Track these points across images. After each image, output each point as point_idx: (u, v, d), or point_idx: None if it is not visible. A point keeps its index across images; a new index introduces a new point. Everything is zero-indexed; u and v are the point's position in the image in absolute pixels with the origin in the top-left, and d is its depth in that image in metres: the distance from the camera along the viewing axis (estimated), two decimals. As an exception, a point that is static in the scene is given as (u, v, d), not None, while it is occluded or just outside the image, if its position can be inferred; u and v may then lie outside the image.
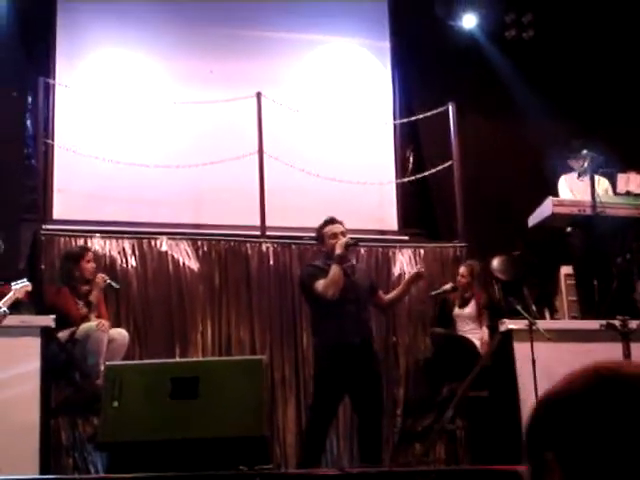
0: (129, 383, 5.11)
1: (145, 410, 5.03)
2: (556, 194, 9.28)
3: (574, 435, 1.19)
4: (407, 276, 8.25)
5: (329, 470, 6.80)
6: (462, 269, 8.81)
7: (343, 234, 7.15)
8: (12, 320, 7.16)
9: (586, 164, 9.21)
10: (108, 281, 8.20)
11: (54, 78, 9.95)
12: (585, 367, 1.28)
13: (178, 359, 8.40)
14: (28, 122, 9.91)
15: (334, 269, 6.91)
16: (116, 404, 5.01)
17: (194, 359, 8.21)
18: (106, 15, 10.33)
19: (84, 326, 7.82)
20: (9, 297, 6.74)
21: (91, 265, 8.23)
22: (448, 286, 8.53)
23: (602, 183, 9.32)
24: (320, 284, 6.95)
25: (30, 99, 9.88)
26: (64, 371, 7.66)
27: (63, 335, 7.71)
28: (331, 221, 7.26)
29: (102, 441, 5.16)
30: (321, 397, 7.02)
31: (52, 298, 8.08)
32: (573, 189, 9.34)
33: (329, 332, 6.98)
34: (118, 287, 8.38)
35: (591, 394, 1.21)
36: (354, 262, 7.76)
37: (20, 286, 6.92)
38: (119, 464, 4.99)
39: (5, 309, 6.57)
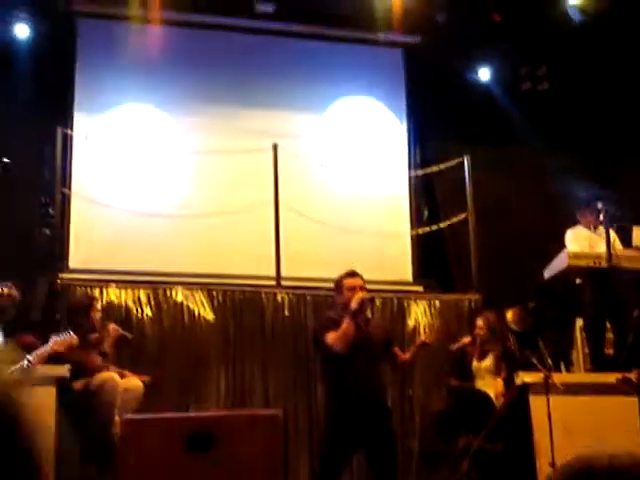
0: (145, 437, 5.11)
1: (160, 465, 5.03)
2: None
3: None
4: (417, 340, 8.21)
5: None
6: (479, 321, 8.77)
7: (362, 288, 7.13)
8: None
9: (601, 217, 9.19)
10: (121, 332, 8.18)
11: (72, 129, 10.03)
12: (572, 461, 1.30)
13: (193, 413, 8.37)
14: (46, 172, 9.96)
15: (346, 323, 6.88)
16: (132, 460, 5.01)
17: (209, 413, 8.18)
18: (124, 69, 10.42)
19: (99, 377, 7.80)
20: (45, 349, 6.65)
21: (99, 315, 8.20)
22: (467, 339, 8.52)
23: (612, 237, 9.29)
24: (330, 337, 6.93)
25: (47, 149, 9.94)
26: (79, 421, 7.64)
27: (78, 385, 7.69)
28: (352, 274, 7.24)
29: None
30: (330, 452, 6.94)
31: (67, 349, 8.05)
32: (580, 242, 9.29)
33: (340, 385, 6.94)
34: (131, 337, 8.37)
35: None
36: (369, 315, 7.75)
37: (62, 339, 6.83)
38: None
39: (30, 361, 6.49)
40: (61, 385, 7.42)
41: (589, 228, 9.26)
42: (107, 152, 10.15)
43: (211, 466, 5.01)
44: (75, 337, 6.96)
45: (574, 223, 9.49)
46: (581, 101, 11.13)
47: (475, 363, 8.61)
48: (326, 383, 7.31)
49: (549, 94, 11.09)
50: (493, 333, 8.64)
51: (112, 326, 8.21)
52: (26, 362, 6.42)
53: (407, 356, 7.84)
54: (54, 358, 7.03)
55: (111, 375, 7.80)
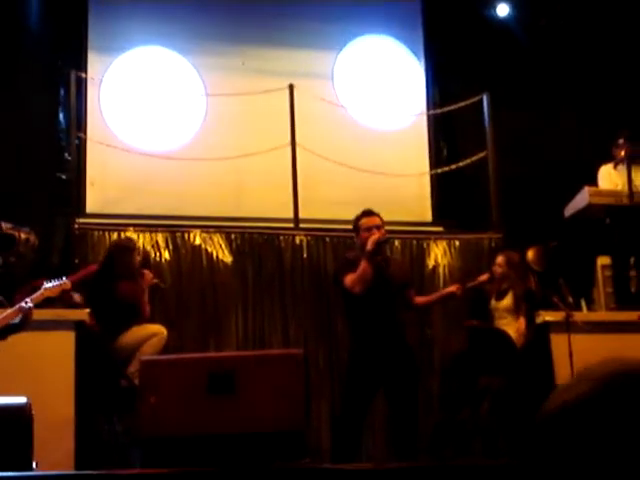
0: (165, 378, 5.09)
1: (181, 405, 5.01)
2: (593, 183, 9.17)
3: (583, 439, 1.15)
4: (448, 287, 8.13)
5: (364, 465, 6.76)
6: (499, 258, 8.62)
7: (378, 227, 7.08)
8: (46, 314, 7.17)
9: (622, 153, 9.09)
10: (155, 280, 8.16)
11: (86, 72, 9.94)
12: (600, 364, 1.22)
13: (214, 353, 8.37)
14: (61, 116, 9.89)
15: (363, 265, 6.87)
16: (153, 399, 4.99)
17: (230, 353, 8.17)
18: (137, 10, 10.32)
19: (151, 328, 7.88)
20: (38, 294, 6.70)
21: (138, 259, 8.20)
22: (484, 277, 8.41)
23: (641, 173, 9.21)
24: (348, 279, 6.91)
25: (62, 93, 9.86)
26: (99, 365, 7.65)
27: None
28: (367, 213, 7.20)
29: (138, 436, 5.14)
30: (353, 391, 6.97)
31: (132, 291, 8.01)
32: (613, 179, 9.20)
33: (361, 325, 6.95)
34: (164, 286, 8.36)
35: (602, 398, 1.16)
36: (389, 255, 7.72)
37: (52, 285, 6.85)
38: (155, 459, 4.97)
39: (30, 304, 6.53)
40: (80, 329, 7.42)
41: (617, 164, 9.15)
42: (122, 95, 10.06)
43: (232, 405, 4.99)
44: (69, 283, 6.94)
45: (599, 159, 9.38)
46: (602, 36, 10.94)
47: (493, 303, 8.51)
48: (348, 323, 7.30)
49: (567, 29, 10.88)
50: (515, 272, 8.50)
51: (148, 273, 8.17)
52: (27, 305, 6.45)
53: (428, 298, 7.84)
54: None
55: (162, 329, 7.84)
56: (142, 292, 7.96)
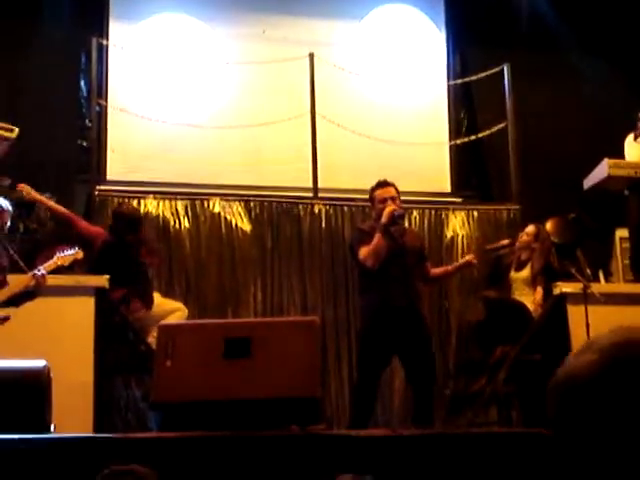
0: (182, 343, 5.13)
1: (198, 370, 5.05)
2: (613, 155, 9.12)
3: (623, 400, 1.16)
4: (464, 257, 8.13)
5: (380, 431, 6.80)
6: (530, 228, 8.55)
7: (393, 199, 7.07)
8: (66, 280, 7.25)
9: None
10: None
11: (107, 39, 9.96)
12: (620, 332, 1.23)
13: (231, 319, 8.43)
14: (82, 83, 9.92)
15: (376, 238, 6.87)
16: (169, 363, 5.04)
17: (247, 319, 8.23)
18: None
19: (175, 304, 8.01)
20: (51, 263, 6.77)
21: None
22: (505, 241, 8.40)
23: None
24: (362, 252, 6.93)
25: (84, 59, 9.88)
26: (118, 330, 7.72)
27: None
28: (383, 184, 7.19)
29: (155, 400, 5.19)
30: (365, 358, 7.02)
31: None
32: (637, 150, 9.14)
33: (375, 294, 6.96)
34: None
35: (610, 368, 1.18)
36: (405, 225, 7.73)
37: (64, 255, 6.92)
38: (172, 423, 5.01)
39: (43, 271, 6.60)
40: (100, 295, 7.48)
41: (638, 137, 9.09)
42: (143, 62, 10.07)
43: (248, 371, 5.03)
44: (81, 252, 7.00)
45: (620, 131, 9.31)
46: (623, 4, 10.86)
47: (513, 273, 8.50)
48: (362, 293, 7.32)
49: (591, 1, 10.80)
50: (541, 244, 8.46)
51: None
52: (40, 272, 6.53)
53: (445, 269, 7.86)
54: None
55: (183, 307, 7.96)
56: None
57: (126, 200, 8.98)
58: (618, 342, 1.22)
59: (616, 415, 1.16)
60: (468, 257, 7.86)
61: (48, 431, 5.21)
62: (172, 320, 7.55)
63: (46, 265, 6.70)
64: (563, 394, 1.21)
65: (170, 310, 7.87)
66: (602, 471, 1.16)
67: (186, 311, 8.00)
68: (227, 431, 4.77)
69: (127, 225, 7.91)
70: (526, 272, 8.41)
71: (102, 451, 4.49)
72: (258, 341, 5.13)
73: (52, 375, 5.47)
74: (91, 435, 6.10)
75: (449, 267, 7.97)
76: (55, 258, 6.81)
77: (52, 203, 8.19)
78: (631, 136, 9.15)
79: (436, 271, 7.70)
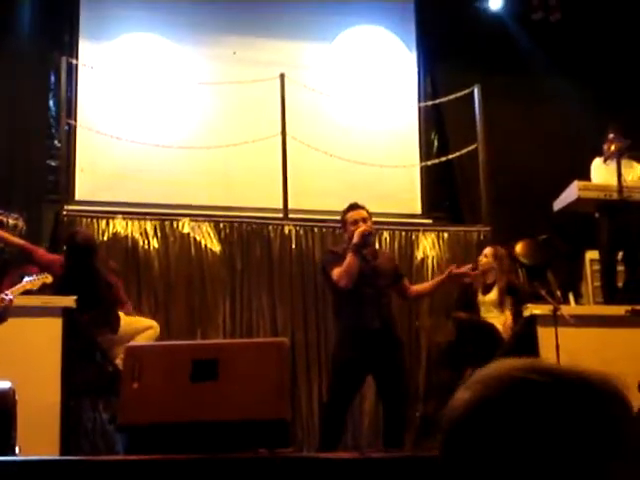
0: (149, 364, 5.08)
1: (165, 392, 5.00)
2: (583, 177, 9.17)
3: (490, 440, 1.14)
4: (447, 270, 8.11)
5: (349, 454, 6.76)
6: (487, 249, 8.63)
7: (364, 220, 7.07)
8: (33, 300, 7.16)
9: (613, 147, 9.09)
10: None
11: (77, 58, 9.91)
12: (499, 366, 1.21)
13: (199, 340, 8.38)
14: (51, 102, 9.87)
15: (348, 258, 6.87)
16: (136, 385, 4.98)
17: (215, 341, 8.18)
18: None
19: (146, 322, 7.92)
20: (19, 287, 6.70)
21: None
22: (468, 266, 8.42)
23: (636, 168, 9.20)
24: (335, 272, 6.92)
25: (53, 79, 9.84)
26: (85, 351, 7.64)
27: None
28: (353, 207, 7.19)
29: (121, 423, 5.14)
30: (338, 380, 7.00)
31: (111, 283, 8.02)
32: (604, 173, 9.19)
33: (349, 316, 6.96)
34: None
35: (505, 398, 1.15)
36: (377, 247, 7.73)
37: (33, 279, 6.85)
38: (138, 446, 4.96)
39: (11, 296, 6.53)
40: (67, 315, 7.40)
41: (607, 159, 9.15)
42: (113, 82, 10.03)
43: (216, 393, 4.99)
44: (50, 277, 6.93)
45: (590, 154, 9.38)
46: (594, 31, 10.93)
47: (480, 297, 8.52)
48: (336, 315, 7.31)
49: (561, 24, 10.86)
50: (499, 264, 8.49)
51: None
52: (8, 297, 6.44)
53: (424, 286, 7.86)
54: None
55: (155, 324, 7.88)
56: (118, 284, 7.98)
57: (94, 220, 8.91)
58: (490, 378, 1.19)
59: (485, 455, 1.14)
60: (449, 269, 7.82)
61: (13, 453, 5.14)
62: (144, 338, 7.50)
63: (14, 289, 6.63)
64: (442, 432, 1.19)
65: (142, 328, 7.79)
66: None
67: (158, 329, 7.90)
68: (194, 454, 4.72)
69: (81, 253, 7.78)
70: (493, 294, 8.43)
71: (66, 474, 4.43)
72: (226, 363, 5.09)
73: (18, 397, 5.41)
74: (57, 458, 6.02)
75: (429, 284, 7.95)
76: (24, 282, 6.75)
77: (7, 235, 8.05)
78: (598, 159, 9.22)
79: (416, 288, 7.69)
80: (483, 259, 8.50)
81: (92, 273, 7.70)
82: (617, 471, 1.11)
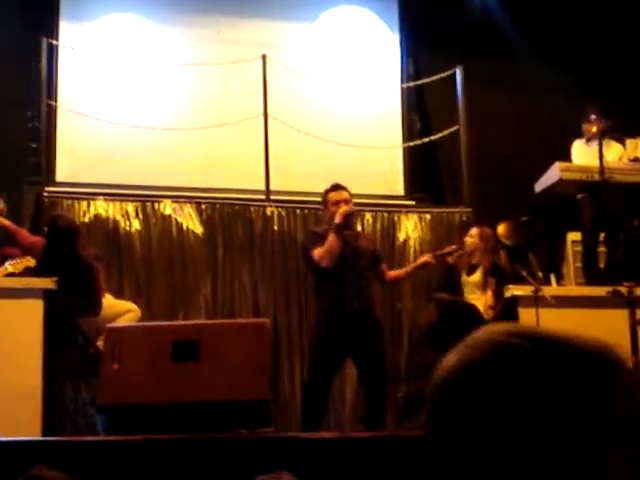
0: (129, 345, 5.08)
1: (145, 373, 5.00)
2: (564, 159, 9.18)
3: (474, 403, 1.14)
4: (420, 258, 8.13)
5: (330, 433, 6.79)
6: (473, 230, 8.60)
7: (346, 201, 7.09)
8: (14, 282, 7.14)
9: (594, 129, 9.10)
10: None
11: (57, 39, 9.85)
12: (488, 330, 1.20)
13: (180, 321, 8.37)
14: (32, 84, 9.80)
15: (330, 238, 6.89)
16: (116, 366, 4.98)
17: (196, 322, 8.17)
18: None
19: (126, 305, 7.91)
20: (2, 269, 6.70)
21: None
22: (453, 247, 8.42)
23: (615, 149, 9.22)
24: (316, 252, 6.93)
25: (34, 61, 9.77)
26: (67, 333, 7.62)
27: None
28: (335, 187, 7.21)
29: (101, 403, 5.13)
30: (318, 360, 7.03)
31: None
32: (585, 154, 9.21)
33: (328, 297, 6.99)
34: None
35: (489, 362, 1.14)
36: (358, 229, 7.74)
37: (15, 262, 6.84)
38: (118, 426, 4.96)
39: None
40: (48, 297, 7.38)
41: (589, 140, 9.17)
42: (94, 63, 9.97)
43: (196, 373, 4.99)
44: (32, 260, 6.93)
45: (572, 135, 9.40)
46: (577, 12, 10.93)
47: (464, 277, 8.53)
48: (316, 295, 7.34)
49: (544, 5, 10.85)
50: (484, 244, 8.51)
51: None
52: None
53: (402, 271, 7.90)
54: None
55: (136, 307, 7.87)
56: (99, 267, 7.95)
57: (75, 202, 8.88)
58: (476, 342, 1.18)
59: (469, 419, 1.13)
60: (426, 257, 7.88)
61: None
62: (124, 321, 7.49)
63: None
64: (429, 395, 1.19)
65: (123, 311, 7.79)
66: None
67: (139, 312, 7.92)
68: (174, 434, 4.72)
69: (63, 237, 7.75)
70: (477, 276, 8.44)
71: (46, 455, 4.42)
72: (206, 343, 5.09)
73: (-1, 379, 5.39)
74: (39, 439, 6.02)
75: (408, 268, 7.99)
76: (7, 264, 6.74)
77: None
78: (578, 141, 9.24)
79: (393, 274, 7.74)
80: (469, 239, 8.49)
81: (73, 256, 7.68)
82: (607, 441, 1.10)
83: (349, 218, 7.04)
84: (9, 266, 6.75)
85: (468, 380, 1.13)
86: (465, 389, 1.13)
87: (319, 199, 7.57)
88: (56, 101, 9.67)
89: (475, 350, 1.16)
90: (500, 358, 1.13)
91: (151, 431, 4.75)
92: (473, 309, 8.25)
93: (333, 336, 6.82)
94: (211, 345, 5.09)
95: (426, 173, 10.79)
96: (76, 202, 8.92)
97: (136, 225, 8.99)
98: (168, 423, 4.82)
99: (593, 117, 9.11)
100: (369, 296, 7.16)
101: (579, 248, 9.52)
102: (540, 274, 9.19)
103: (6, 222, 8.04)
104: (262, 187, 9.49)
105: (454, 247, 8.38)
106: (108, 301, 7.87)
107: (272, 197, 9.46)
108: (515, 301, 7.97)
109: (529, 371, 1.11)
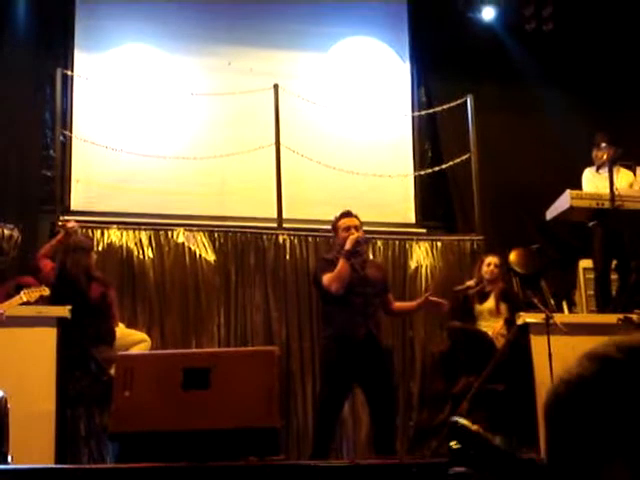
0: (141, 373, 5.11)
1: (156, 400, 5.03)
2: (575, 187, 9.20)
3: (590, 418, 1.18)
4: (424, 295, 8.06)
5: (338, 461, 6.80)
6: (491, 258, 8.51)
7: (357, 228, 7.12)
8: (29, 310, 7.19)
9: (605, 156, 9.13)
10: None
11: (72, 70, 9.96)
12: (595, 348, 1.26)
13: (191, 349, 8.40)
14: (47, 113, 9.91)
15: (340, 264, 6.91)
16: (127, 394, 5.02)
17: (206, 350, 8.21)
18: (124, 8, 10.34)
19: (139, 335, 7.94)
20: (16, 298, 6.77)
21: (95, 258, 8.17)
22: (472, 282, 8.43)
23: (626, 176, 9.23)
24: (326, 278, 6.96)
25: (48, 90, 9.88)
26: (80, 361, 7.66)
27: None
28: (346, 214, 7.25)
29: (112, 431, 5.17)
30: (327, 388, 7.05)
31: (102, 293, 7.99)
32: (596, 182, 9.24)
33: (336, 324, 7.00)
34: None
35: (600, 378, 1.19)
36: (368, 257, 7.75)
37: (30, 291, 6.92)
38: (130, 454, 4.99)
39: (1, 310, 6.60)
40: (62, 325, 7.43)
41: (600, 167, 9.19)
42: (108, 93, 10.06)
43: (207, 401, 5.02)
44: (47, 289, 6.99)
45: (583, 163, 9.42)
46: (587, 41, 10.99)
47: (477, 306, 8.52)
48: (324, 322, 7.35)
49: (554, 35, 10.89)
50: (503, 272, 8.49)
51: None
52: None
53: (410, 305, 7.88)
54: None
55: (148, 337, 7.91)
56: (112, 295, 7.98)
57: (89, 231, 8.94)
58: (607, 351, 1.23)
59: (617, 417, 1.17)
60: (439, 300, 7.78)
61: (5, 461, 5.17)
62: (135, 351, 7.52)
63: (12, 301, 6.70)
64: (563, 407, 1.23)
65: (134, 342, 7.83)
66: None
67: (150, 342, 7.96)
68: (185, 462, 4.75)
69: (72, 252, 7.81)
70: (490, 303, 8.44)
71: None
72: (217, 371, 5.12)
73: (14, 406, 5.43)
74: (53, 467, 6.05)
75: (413, 303, 7.93)
76: (22, 293, 6.81)
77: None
78: (590, 169, 9.26)
79: (399, 305, 7.71)
80: (492, 268, 8.46)
81: (84, 271, 7.71)
82: None
83: (359, 245, 7.07)
84: (24, 295, 6.82)
85: (579, 393, 1.18)
86: (575, 405, 1.18)
87: (331, 227, 7.60)
88: (71, 130, 9.77)
89: (583, 365, 1.21)
90: (605, 373, 1.18)
91: (162, 459, 4.78)
92: (484, 336, 8.26)
93: (340, 362, 6.84)
94: (221, 373, 5.12)
95: (437, 201, 10.84)
96: (90, 231, 8.96)
97: (149, 253, 9.04)
98: (178, 451, 4.85)
99: (603, 145, 9.14)
100: (376, 323, 7.15)
101: (591, 275, 9.51)
102: (552, 301, 9.20)
103: (53, 241, 8.17)
104: (274, 215, 9.54)
105: (472, 282, 8.39)
106: (121, 330, 7.91)
107: (284, 225, 9.51)
108: (527, 328, 7.97)
109: (625, 383, 1.16)
